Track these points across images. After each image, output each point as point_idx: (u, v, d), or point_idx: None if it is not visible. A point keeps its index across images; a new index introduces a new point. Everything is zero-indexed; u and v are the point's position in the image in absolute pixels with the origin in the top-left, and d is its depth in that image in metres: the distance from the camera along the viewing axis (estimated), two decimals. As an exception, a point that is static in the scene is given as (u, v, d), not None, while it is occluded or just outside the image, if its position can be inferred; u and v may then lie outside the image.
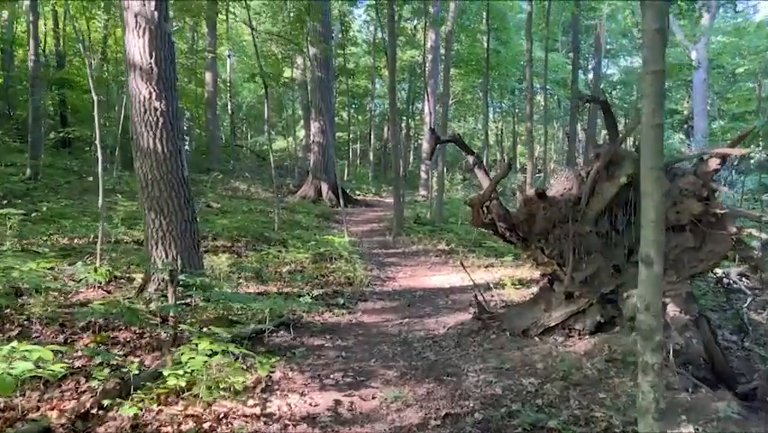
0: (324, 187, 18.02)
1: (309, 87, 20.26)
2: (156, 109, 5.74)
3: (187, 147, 26.07)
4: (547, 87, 21.49)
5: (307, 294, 6.48)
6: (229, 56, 27.39)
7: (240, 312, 5.60)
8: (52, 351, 3.15)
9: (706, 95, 21.51)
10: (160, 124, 5.76)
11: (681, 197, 4.63)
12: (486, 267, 8.95)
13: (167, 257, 5.80)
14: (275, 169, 13.16)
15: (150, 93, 5.73)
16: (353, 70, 26.37)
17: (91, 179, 13.14)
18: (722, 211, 4.47)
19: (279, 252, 8.85)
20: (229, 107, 28.45)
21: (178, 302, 4.87)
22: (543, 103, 20.10)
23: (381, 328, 5.81)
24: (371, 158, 30.01)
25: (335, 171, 17.36)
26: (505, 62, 22.98)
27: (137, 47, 5.70)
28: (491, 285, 7.40)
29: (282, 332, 5.35)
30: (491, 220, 5.11)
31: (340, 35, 24.16)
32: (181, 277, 5.21)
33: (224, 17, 21.08)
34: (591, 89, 25.13)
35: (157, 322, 4.79)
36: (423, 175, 21.95)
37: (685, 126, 29.13)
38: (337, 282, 7.68)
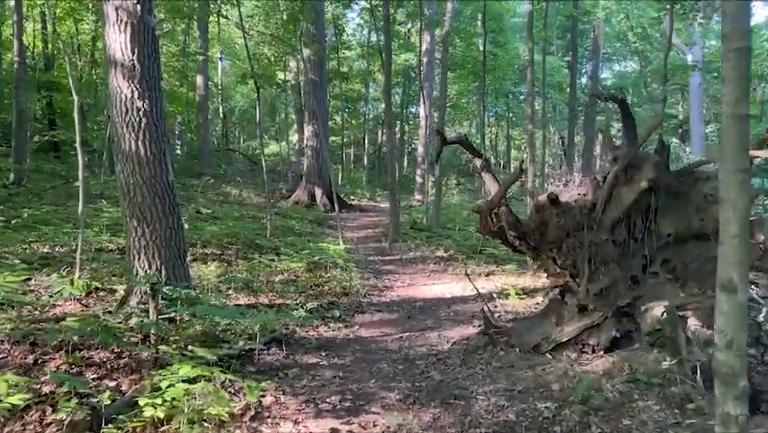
0: (318, 191, 17.65)
1: (303, 91, 19.91)
2: (138, 109, 5.34)
3: (177, 151, 25.71)
4: (545, 90, 21.20)
5: (301, 306, 6.09)
6: (221, 59, 27.04)
7: (228, 328, 5.21)
8: (10, 381, 2.76)
9: (702, 99, 21.34)
10: (142, 125, 5.37)
11: (705, 203, 4.31)
12: (487, 275, 8.59)
13: (150, 268, 5.40)
14: (268, 173, 12.77)
15: (133, 92, 5.33)
16: (347, 74, 26.05)
17: (78, 183, 12.69)
18: (750, 218, 4.14)
19: (272, 260, 8.44)
20: (221, 111, 28.05)
21: (160, 318, 4.48)
22: (539, 106, 19.84)
23: (380, 344, 5.43)
24: (366, 162, 29.67)
25: (329, 176, 16.96)
26: (501, 65, 22.74)
27: (118, 42, 5.31)
28: (494, 295, 7.05)
29: (274, 349, 4.96)
30: (500, 228, 4.74)
31: (333, 38, 23.87)
32: (165, 290, 4.83)
33: (216, 19, 20.74)
34: (588, 93, 24.94)
35: (137, 340, 4.39)
36: (418, 179, 21.59)
37: (679, 131, 28.82)
38: (332, 293, 7.29)
